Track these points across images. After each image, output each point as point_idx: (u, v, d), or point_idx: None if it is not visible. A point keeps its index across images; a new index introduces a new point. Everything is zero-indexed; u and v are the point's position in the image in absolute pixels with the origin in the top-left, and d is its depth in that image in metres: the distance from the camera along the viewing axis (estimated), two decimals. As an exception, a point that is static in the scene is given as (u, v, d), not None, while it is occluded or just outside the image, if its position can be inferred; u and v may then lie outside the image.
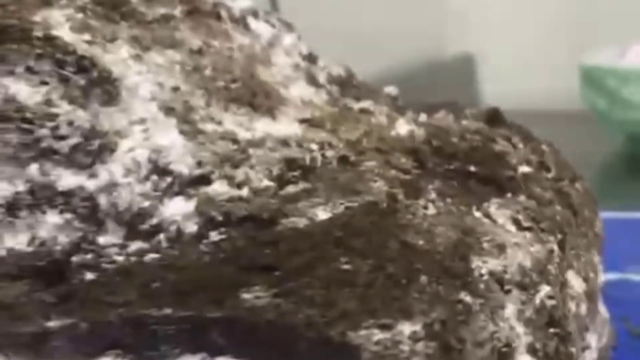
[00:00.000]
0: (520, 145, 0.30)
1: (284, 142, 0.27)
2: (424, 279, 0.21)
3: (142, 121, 0.26)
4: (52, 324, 0.22)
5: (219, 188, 0.24)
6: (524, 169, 0.28)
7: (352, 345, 0.20)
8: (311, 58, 0.32)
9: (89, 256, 0.24)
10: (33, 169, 0.24)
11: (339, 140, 0.28)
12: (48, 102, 0.25)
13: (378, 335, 0.20)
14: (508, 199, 0.27)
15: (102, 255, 0.23)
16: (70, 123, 0.24)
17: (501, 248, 0.23)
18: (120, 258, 0.23)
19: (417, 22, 1.20)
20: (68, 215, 0.24)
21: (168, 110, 0.26)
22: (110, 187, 0.24)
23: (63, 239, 0.24)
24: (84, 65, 0.26)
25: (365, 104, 0.31)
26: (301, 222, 0.23)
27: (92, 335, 0.22)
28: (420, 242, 0.22)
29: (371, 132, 0.29)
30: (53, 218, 0.24)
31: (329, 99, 0.31)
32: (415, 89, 1.08)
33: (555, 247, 0.26)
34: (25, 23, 0.26)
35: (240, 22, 0.31)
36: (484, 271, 0.22)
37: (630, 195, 0.75)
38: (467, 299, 0.21)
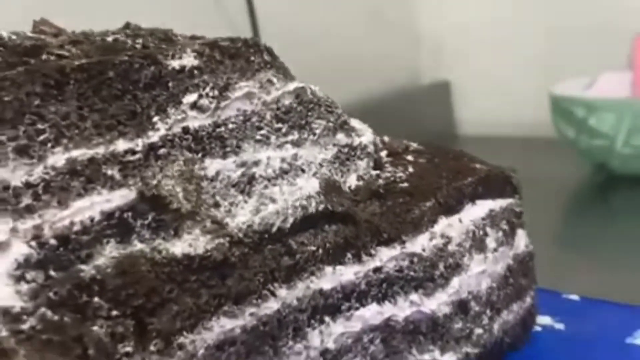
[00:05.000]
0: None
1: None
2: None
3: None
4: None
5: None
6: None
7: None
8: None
9: (381, 180, 0.39)
10: (340, 136, 0.38)
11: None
12: (327, 95, 0.38)
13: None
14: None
15: (391, 174, 0.39)
16: (337, 105, 0.39)
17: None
18: (402, 172, 0.40)
19: (393, 51, 1.18)
20: (365, 159, 0.39)
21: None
22: (372, 142, 0.40)
23: (371, 173, 0.39)
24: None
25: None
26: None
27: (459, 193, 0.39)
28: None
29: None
30: (361, 163, 0.38)
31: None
32: (391, 116, 1.10)
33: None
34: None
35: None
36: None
37: (596, 217, 0.82)
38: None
